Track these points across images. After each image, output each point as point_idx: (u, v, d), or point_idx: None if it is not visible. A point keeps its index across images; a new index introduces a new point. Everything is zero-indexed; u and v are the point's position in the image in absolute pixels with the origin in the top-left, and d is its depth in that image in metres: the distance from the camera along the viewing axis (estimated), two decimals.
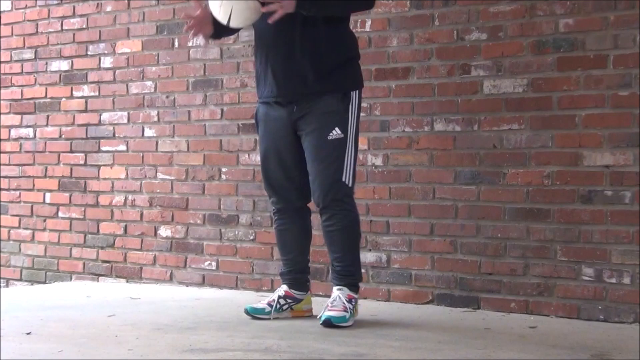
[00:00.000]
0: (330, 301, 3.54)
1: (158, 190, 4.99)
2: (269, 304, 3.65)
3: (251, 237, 4.63)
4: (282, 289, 3.70)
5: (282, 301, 3.66)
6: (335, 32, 3.55)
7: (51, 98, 5.46)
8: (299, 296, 3.70)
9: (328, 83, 3.52)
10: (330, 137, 3.49)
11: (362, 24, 4.29)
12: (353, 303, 3.53)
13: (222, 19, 3.42)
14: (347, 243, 3.58)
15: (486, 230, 3.97)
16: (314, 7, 3.43)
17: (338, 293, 3.54)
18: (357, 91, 3.58)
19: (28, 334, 3.29)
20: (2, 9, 5.71)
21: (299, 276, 3.71)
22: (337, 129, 3.50)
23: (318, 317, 3.52)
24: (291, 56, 3.51)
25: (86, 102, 5.31)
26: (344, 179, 3.51)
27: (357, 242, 3.63)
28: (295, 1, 3.37)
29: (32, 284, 5.39)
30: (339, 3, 3.52)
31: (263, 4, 3.38)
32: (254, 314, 3.65)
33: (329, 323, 3.43)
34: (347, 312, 3.47)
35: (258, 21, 3.49)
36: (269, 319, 3.61)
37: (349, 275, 3.59)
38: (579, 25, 3.78)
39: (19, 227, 5.57)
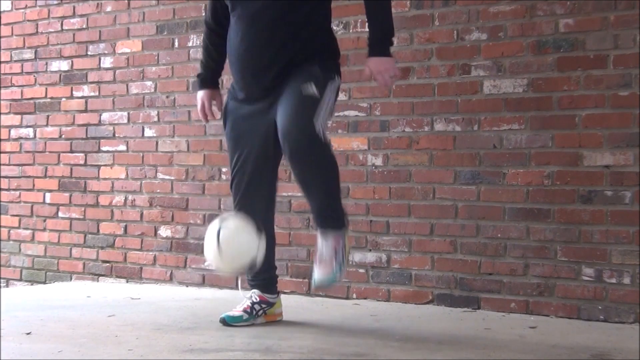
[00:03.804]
0: (318, 255, 3.27)
1: (158, 190, 4.99)
2: (245, 311, 3.53)
3: None
4: (255, 294, 3.55)
5: (257, 307, 3.54)
6: (317, 32, 3.38)
7: (51, 98, 5.46)
8: (272, 300, 3.57)
9: (310, 56, 3.31)
10: (305, 92, 3.20)
11: (362, 24, 4.29)
12: (341, 251, 3.24)
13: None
14: (320, 183, 3.24)
15: (486, 230, 3.97)
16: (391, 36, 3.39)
17: (320, 241, 3.26)
18: (337, 78, 3.36)
19: (28, 334, 3.28)
20: (2, 9, 5.71)
21: (267, 276, 3.56)
22: (313, 85, 3.20)
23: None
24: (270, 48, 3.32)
25: (86, 102, 5.31)
26: (316, 128, 3.14)
27: (334, 184, 3.27)
28: (389, 58, 3.35)
29: (32, 284, 5.39)
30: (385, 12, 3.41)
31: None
32: (232, 323, 3.49)
33: (318, 287, 3.41)
34: (333, 268, 3.22)
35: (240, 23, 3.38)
36: (249, 325, 3.49)
37: (330, 216, 3.26)
38: (579, 25, 3.78)
39: (19, 227, 5.57)
